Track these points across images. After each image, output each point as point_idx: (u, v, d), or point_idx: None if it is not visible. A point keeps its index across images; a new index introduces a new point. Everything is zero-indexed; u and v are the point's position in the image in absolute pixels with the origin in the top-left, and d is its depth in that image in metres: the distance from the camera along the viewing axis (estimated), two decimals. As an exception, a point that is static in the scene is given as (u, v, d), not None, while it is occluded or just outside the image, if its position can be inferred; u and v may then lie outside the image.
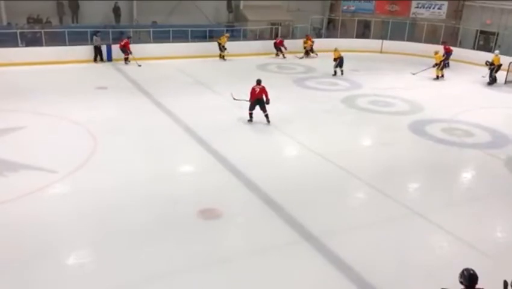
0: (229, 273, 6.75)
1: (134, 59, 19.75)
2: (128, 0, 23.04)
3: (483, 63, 20.00)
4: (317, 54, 24.03)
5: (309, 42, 24.11)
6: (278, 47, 23.66)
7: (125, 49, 19.83)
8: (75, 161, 10.01)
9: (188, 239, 7.54)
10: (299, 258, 7.13)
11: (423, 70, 20.34)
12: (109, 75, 16.89)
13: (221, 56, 22.08)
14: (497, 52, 20.04)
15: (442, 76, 20.06)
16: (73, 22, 21.81)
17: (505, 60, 19.55)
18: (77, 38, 20.01)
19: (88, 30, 20.26)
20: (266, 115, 12.94)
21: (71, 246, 7.24)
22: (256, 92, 12.71)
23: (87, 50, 19.98)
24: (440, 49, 20.91)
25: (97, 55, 20.06)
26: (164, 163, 10.38)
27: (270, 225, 8.08)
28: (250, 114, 13.04)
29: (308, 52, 24.19)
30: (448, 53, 21.23)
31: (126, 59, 19.96)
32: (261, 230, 7.95)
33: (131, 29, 21.70)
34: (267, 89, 12.79)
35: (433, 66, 20.14)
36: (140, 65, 19.44)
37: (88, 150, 10.68)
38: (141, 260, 6.91)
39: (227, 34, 22.47)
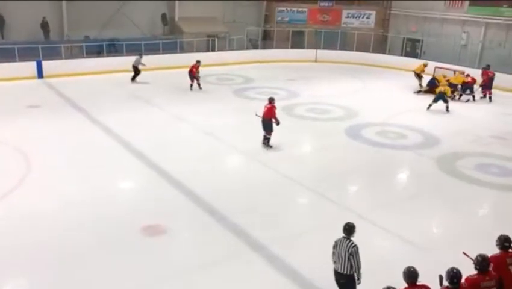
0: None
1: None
2: (57, 15, 22.26)
3: (411, 69, 20.81)
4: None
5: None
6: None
7: (191, 74, 18.54)
8: (8, 184, 9.49)
9: (133, 258, 7.34)
10: (247, 268, 7.15)
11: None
12: (41, 93, 16.15)
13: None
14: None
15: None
16: (-2, 38, 20.78)
17: (430, 65, 20.67)
18: (3, 55, 19.00)
19: (16, 46, 19.31)
20: (267, 139, 12.06)
21: (8, 275, 6.84)
22: (264, 111, 11.98)
23: (18, 68, 18.90)
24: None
25: (136, 76, 19.56)
26: (102, 181, 10.05)
27: (216, 237, 8.05)
28: (265, 137, 12.10)
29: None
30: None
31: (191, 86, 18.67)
32: (208, 243, 7.89)
33: (62, 44, 20.98)
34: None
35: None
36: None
37: (21, 172, 10.15)
38: (85, 284, 6.65)
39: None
